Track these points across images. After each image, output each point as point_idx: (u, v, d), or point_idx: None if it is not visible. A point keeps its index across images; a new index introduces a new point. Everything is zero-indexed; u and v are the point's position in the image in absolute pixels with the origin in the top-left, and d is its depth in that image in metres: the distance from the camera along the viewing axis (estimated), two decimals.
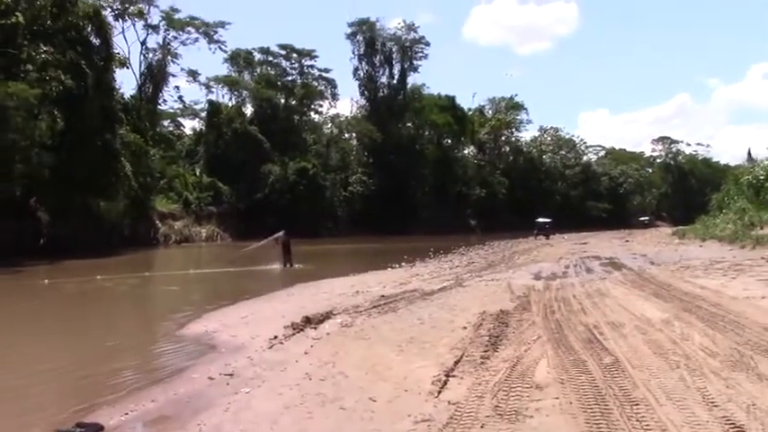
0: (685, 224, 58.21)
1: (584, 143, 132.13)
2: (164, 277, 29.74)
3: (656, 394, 6.60)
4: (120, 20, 65.08)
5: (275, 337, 11.40)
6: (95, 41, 47.59)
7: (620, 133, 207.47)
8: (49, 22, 42.79)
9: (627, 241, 45.16)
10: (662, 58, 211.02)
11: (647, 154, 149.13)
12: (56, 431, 6.95)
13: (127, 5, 65.50)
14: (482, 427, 5.99)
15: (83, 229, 43.33)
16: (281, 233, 31.50)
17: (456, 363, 8.55)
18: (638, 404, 6.30)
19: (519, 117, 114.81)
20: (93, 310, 19.18)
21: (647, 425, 5.71)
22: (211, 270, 32.13)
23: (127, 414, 7.62)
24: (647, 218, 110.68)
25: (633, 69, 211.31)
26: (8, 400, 8.56)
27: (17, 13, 38.61)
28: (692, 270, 19.24)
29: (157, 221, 60.50)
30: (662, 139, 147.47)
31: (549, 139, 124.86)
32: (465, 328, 11.05)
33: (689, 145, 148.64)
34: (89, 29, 46.78)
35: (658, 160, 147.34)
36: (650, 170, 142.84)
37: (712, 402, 6.28)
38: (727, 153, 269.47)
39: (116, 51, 56.02)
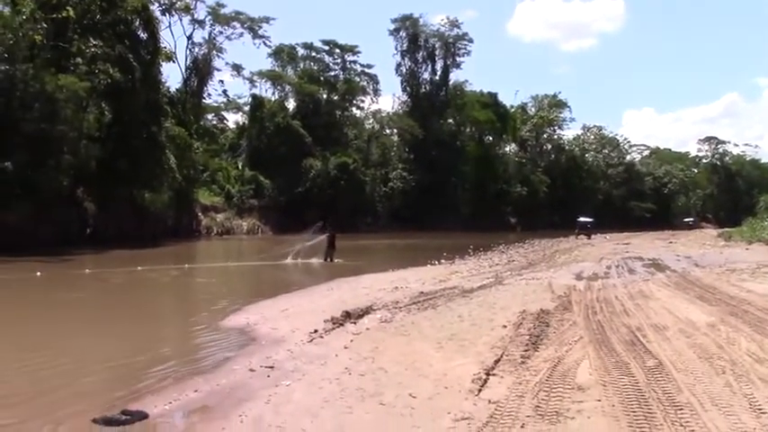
0: (731, 226, 57.22)
1: (628, 142, 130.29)
2: (206, 269, 30.13)
3: (702, 399, 6.50)
4: (167, 14, 65.78)
5: (315, 331, 11.48)
6: (143, 36, 48.27)
7: (665, 133, 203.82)
8: (98, 16, 43.47)
9: (671, 242, 44.48)
10: (710, 56, 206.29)
11: (693, 154, 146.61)
12: (102, 417, 7.10)
13: (174, 0, 66.28)
14: (522, 426, 5.97)
15: (127, 220, 44.13)
16: (319, 223, 31.80)
17: (496, 361, 8.52)
18: (682, 409, 6.22)
19: (562, 115, 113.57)
20: (136, 300, 19.50)
21: (692, 430, 5.64)
22: (252, 263, 32.45)
23: (170, 403, 7.75)
24: (691, 219, 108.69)
25: (680, 67, 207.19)
26: (55, 387, 8.75)
27: (68, 8, 39.33)
28: (738, 273, 18.89)
29: (200, 214, 61.32)
30: (708, 139, 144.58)
31: (592, 137, 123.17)
32: (505, 326, 11.00)
33: (736, 145, 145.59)
34: (137, 23, 47.45)
35: (704, 160, 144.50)
36: (696, 170, 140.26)
37: (759, 409, 6.16)
38: None
39: (163, 45, 56.81)
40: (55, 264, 27.31)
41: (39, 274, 22.88)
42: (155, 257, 32.13)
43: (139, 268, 25.86)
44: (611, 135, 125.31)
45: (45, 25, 37.48)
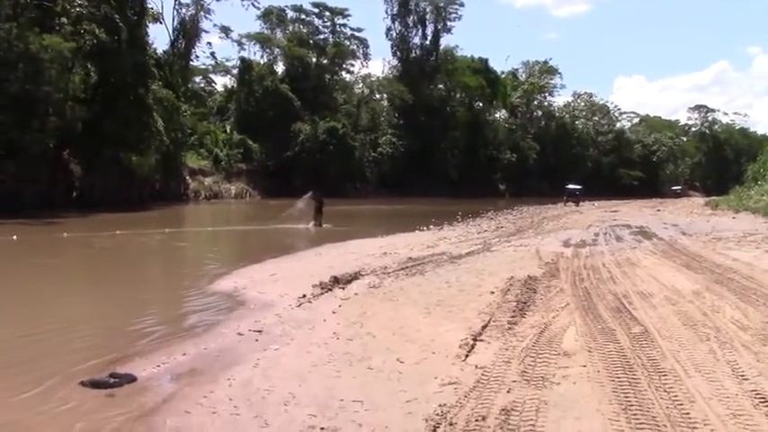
0: (719, 195, 57.41)
1: (618, 109, 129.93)
2: (194, 233, 30.08)
3: (685, 366, 6.57)
4: None
5: (304, 296, 11.51)
6: None
7: (655, 100, 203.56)
8: None
9: (658, 210, 44.65)
10: (702, 24, 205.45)
11: (683, 122, 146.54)
12: (90, 380, 7.12)
13: None
14: (509, 391, 6.01)
15: (114, 183, 43.88)
16: (310, 193, 31.70)
17: (483, 327, 8.58)
18: (666, 375, 6.28)
19: (552, 81, 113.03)
20: (122, 264, 19.46)
21: (675, 395, 5.69)
22: (241, 227, 32.41)
23: (159, 366, 7.78)
24: (679, 187, 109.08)
25: (672, 35, 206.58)
26: (42, 351, 8.75)
27: None
28: (724, 242, 19.02)
29: (188, 177, 60.97)
30: (698, 108, 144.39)
31: (582, 104, 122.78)
32: (492, 292, 11.06)
33: (726, 114, 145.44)
34: None
35: (693, 129, 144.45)
36: (685, 139, 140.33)
37: (742, 376, 6.23)
38: (766, 123, 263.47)
39: (149, 6, 56.07)
40: (39, 227, 27.18)
41: (15, 237, 22.49)
42: (141, 221, 32.00)
43: (118, 232, 25.40)
44: (601, 102, 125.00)
45: None
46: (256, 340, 8.73)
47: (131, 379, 7.23)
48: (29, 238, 23.39)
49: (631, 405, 5.52)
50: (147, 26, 52.61)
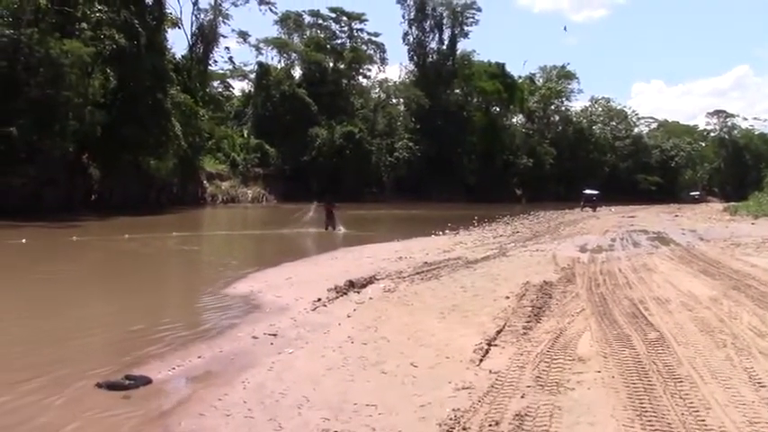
0: (738, 200, 57.06)
1: (636, 114, 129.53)
2: (210, 237, 30.21)
3: (702, 372, 6.51)
4: None
5: (319, 300, 11.52)
6: (148, 1, 48.03)
7: (674, 105, 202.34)
8: None
9: (676, 216, 44.37)
10: (721, 28, 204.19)
11: (701, 127, 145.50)
12: (106, 382, 7.16)
13: None
14: (523, 397, 5.99)
15: (133, 187, 44.26)
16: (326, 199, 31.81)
17: (498, 332, 8.55)
18: (682, 381, 6.23)
19: (570, 86, 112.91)
20: (140, 267, 19.56)
21: (691, 402, 5.65)
22: (257, 231, 32.51)
23: (174, 369, 7.80)
24: (697, 193, 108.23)
25: (691, 40, 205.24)
26: (59, 352, 8.80)
27: None
28: (742, 248, 18.87)
29: (205, 181, 61.39)
30: (717, 113, 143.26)
31: (599, 109, 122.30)
32: (508, 297, 11.02)
33: (745, 119, 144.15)
34: None
35: (712, 134, 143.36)
36: (703, 144, 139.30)
37: (759, 383, 6.17)
38: None
39: (168, 11, 56.55)
40: (56, 229, 27.33)
41: (24, 240, 22.43)
42: (159, 224, 32.17)
43: (127, 236, 25.28)
44: (619, 107, 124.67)
45: None
46: (271, 343, 8.74)
47: (147, 381, 7.26)
48: (39, 242, 23.35)
49: (646, 411, 5.48)
50: (166, 31, 53.14)
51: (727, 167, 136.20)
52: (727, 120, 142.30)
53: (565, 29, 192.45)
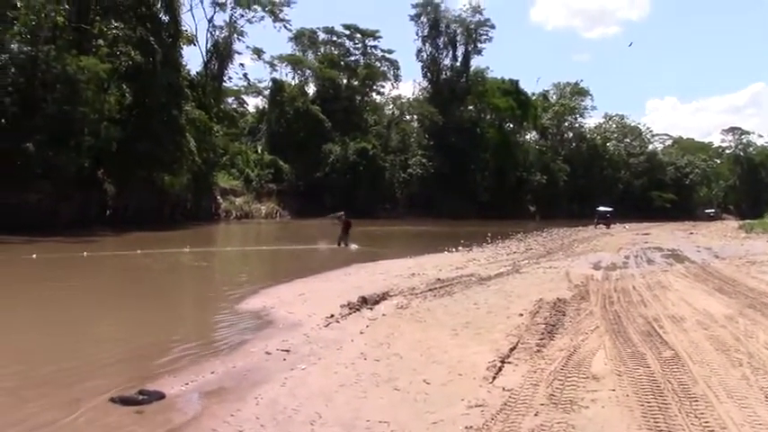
0: (753, 218, 56.61)
1: (651, 131, 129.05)
2: (223, 252, 30.29)
3: (717, 391, 6.46)
4: None
5: (331, 316, 11.53)
6: (164, 18, 48.38)
7: (688, 122, 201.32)
8: None
9: (691, 233, 44.11)
10: (736, 44, 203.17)
11: (716, 144, 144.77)
12: (120, 396, 7.20)
13: None
14: (536, 414, 5.97)
15: (147, 203, 44.49)
16: (341, 213, 31.74)
17: (511, 349, 8.52)
18: (697, 400, 6.19)
19: (583, 103, 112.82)
20: (154, 282, 19.66)
21: (707, 422, 5.61)
22: (269, 247, 32.58)
23: (187, 384, 7.83)
24: (712, 210, 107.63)
25: (705, 56, 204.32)
26: (74, 366, 8.84)
27: None
28: (758, 266, 18.72)
29: (219, 197, 61.65)
30: (732, 130, 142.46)
31: (613, 126, 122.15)
32: (521, 314, 10.98)
33: (761, 136, 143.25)
34: (159, 5, 47.57)
35: (728, 151, 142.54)
36: (718, 161, 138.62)
37: None
38: None
39: (184, 28, 56.88)
40: (74, 244, 27.40)
41: (34, 256, 22.32)
42: (172, 240, 32.24)
43: (139, 251, 25.31)
44: (633, 124, 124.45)
45: (67, 6, 37.69)
46: (284, 359, 8.75)
47: (160, 396, 7.29)
48: (51, 257, 23.28)
49: (661, 431, 5.44)
50: (182, 48, 53.38)
51: (742, 185, 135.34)
52: (743, 137, 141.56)
53: (630, 45, 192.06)
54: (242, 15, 73.44)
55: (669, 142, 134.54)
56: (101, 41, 41.07)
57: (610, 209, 63.71)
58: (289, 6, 77.82)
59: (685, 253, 25.62)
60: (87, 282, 18.69)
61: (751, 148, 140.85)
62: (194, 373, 8.32)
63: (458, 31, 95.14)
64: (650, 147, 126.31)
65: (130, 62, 41.72)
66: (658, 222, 68.91)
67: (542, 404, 6.24)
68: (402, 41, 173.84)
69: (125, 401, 7.09)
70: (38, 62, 35.89)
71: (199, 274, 22.68)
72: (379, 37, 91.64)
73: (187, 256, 25.84)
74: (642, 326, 9.78)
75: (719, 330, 9.38)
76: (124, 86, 42.24)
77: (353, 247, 30.14)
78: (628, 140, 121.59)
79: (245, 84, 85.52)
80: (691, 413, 5.83)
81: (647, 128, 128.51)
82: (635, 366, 7.48)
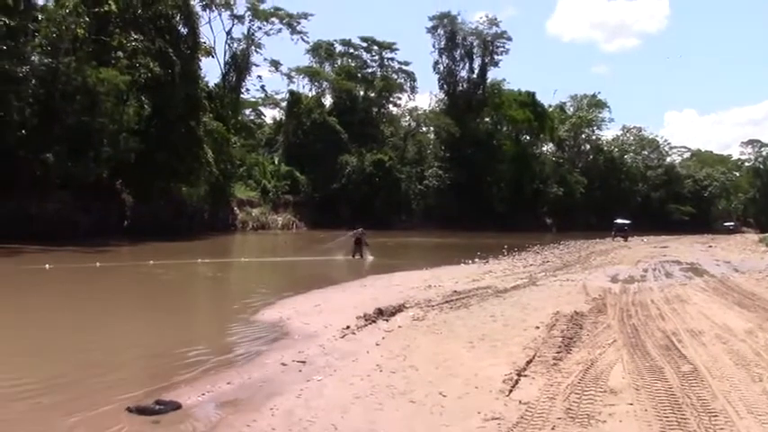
0: None
1: (669, 144, 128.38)
2: (239, 263, 30.38)
3: (737, 406, 6.39)
4: (208, 10, 66.51)
5: (347, 327, 11.52)
6: (183, 30, 48.81)
7: (707, 135, 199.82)
8: (139, 10, 44.13)
9: (710, 247, 43.75)
10: (756, 57, 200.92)
11: (735, 157, 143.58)
12: (136, 406, 7.22)
13: None
14: (553, 428, 5.93)
15: (164, 213, 44.73)
16: (359, 230, 31.71)
17: (528, 362, 8.48)
18: (716, 416, 6.12)
19: (601, 115, 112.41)
20: (171, 293, 19.72)
21: None
22: (285, 258, 32.63)
23: (203, 394, 7.85)
24: (732, 223, 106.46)
25: (725, 68, 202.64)
26: (91, 376, 8.90)
27: (110, 2, 39.88)
28: None
29: (236, 208, 61.89)
30: (751, 142, 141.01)
31: (631, 138, 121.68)
32: (538, 327, 10.94)
33: None
34: (177, 18, 48.03)
35: (747, 164, 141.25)
36: (738, 174, 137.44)
37: None
38: None
39: (202, 40, 57.42)
40: (89, 254, 27.54)
41: (47, 266, 22.21)
42: (188, 251, 32.33)
43: (152, 262, 25.19)
44: (651, 136, 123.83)
45: (87, 19, 38.06)
46: (300, 371, 8.75)
47: (176, 406, 7.31)
48: (64, 267, 23.33)
49: None
50: (200, 60, 53.80)
51: (762, 197, 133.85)
52: (762, 149, 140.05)
53: (672, 57, 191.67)
54: (260, 28, 74.21)
55: (687, 155, 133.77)
56: (120, 53, 41.44)
57: (627, 221, 63.32)
58: (306, 19, 78.54)
59: (704, 266, 25.42)
60: (102, 292, 18.80)
61: None
62: (210, 383, 8.34)
63: (474, 44, 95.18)
64: (668, 159, 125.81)
65: (149, 74, 42.08)
66: (676, 235, 68.46)
67: (559, 418, 6.20)
68: (418, 53, 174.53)
69: (141, 411, 7.12)
70: (58, 74, 36.30)
71: (215, 284, 22.77)
72: (396, 49, 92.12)
73: (204, 267, 25.93)
74: (660, 339, 9.71)
75: (739, 344, 9.29)
76: (143, 98, 42.58)
77: (369, 258, 30.15)
78: (645, 153, 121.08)
79: (263, 95, 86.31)
80: (710, 429, 5.77)
81: (666, 140, 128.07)
82: (653, 380, 7.42)
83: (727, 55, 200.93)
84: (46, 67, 36.43)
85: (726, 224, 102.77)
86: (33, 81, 35.77)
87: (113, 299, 17.73)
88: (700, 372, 7.73)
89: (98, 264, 24.09)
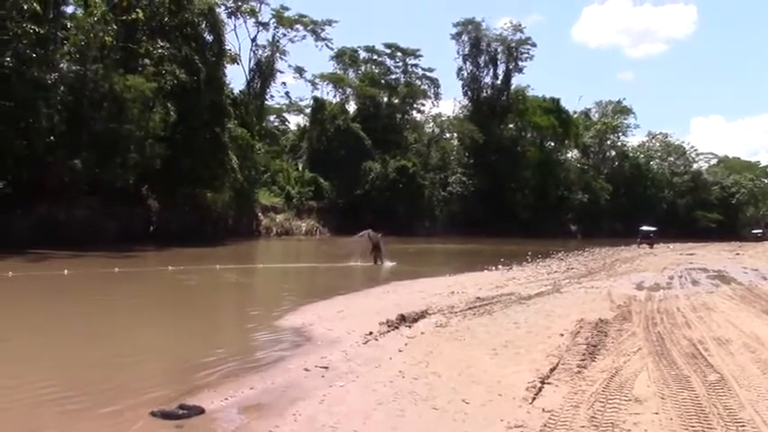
0: None
1: (695, 150, 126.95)
2: (263, 269, 30.51)
3: (765, 417, 6.29)
4: (233, 17, 67.29)
5: (370, 333, 11.51)
6: (209, 38, 49.35)
7: (734, 141, 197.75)
8: (166, 18, 44.64)
9: (737, 254, 43.20)
10: None
11: (764, 163, 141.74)
12: (160, 411, 7.27)
13: (240, 3, 67.59)
14: None
15: (189, 219, 45.10)
16: (369, 231, 31.71)
17: (551, 370, 8.41)
18: (744, 426, 6.03)
19: (626, 121, 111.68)
20: (194, 298, 19.82)
21: None
22: (308, 264, 32.71)
23: (226, 399, 7.88)
24: (760, 230, 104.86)
25: (751, 74, 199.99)
26: (114, 381, 8.96)
27: (137, 10, 40.43)
28: None
29: (260, 214, 62.26)
30: None
31: (657, 144, 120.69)
32: (562, 335, 10.86)
33: None
34: (203, 26, 48.61)
35: None
36: (766, 180, 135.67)
37: None
38: None
39: (228, 48, 57.96)
40: (113, 260, 27.81)
41: (66, 272, 22.33)
42: (212, 257, 32.53)
43: (170, 268, 25.26)
44: (677, 143, 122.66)
45: (115, 27, 38.59)
46: (322, 376, 8.76)
47: (200, 411, 7.35)
48: (83, 272, 23.29)
49: None
50: (225, 67, 54.39)
51: None
52: None
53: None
54: (284, 35, 74.93)
55: (714, 161, 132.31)
56: (147, 61, 41.95)
57: (653, 228, 62.74)
58: (330, 26, 79.17)
59: (731, 274, 25.11)
60: (126, 297, 18.94)
61: None
62: (233, 388, 8.37)
63: (499, 50, 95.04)
64: (695, 166, 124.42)
65: (175, 81, 42.52)
66: (703, 242, 67.69)
67: (583, 426, 6.15)
68: (442, 59, 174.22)
69: (165, 416, 7.16)
70: (86, 81, 36.87)
71: (239, 290, 22.86)
72: (420, 55, 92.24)
73: (227, 273, 26.06)
74: (686, 348, 9.59)
75: (767, 354, 9.15)
76: (169, 105, 43.03)
77: (388, 264, 30.12)
78: (672, 159, 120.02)
79: (287, 102, 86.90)
80: None
81: (692, 147, 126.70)
82: (679, 389, 7.33)
83: (754, 60, 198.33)
84: (74, 74, 37.01)
85: (754, 231, 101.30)
86: (62, 88, 36.29)
87: (137, 304, 17.88)
88: (727, 381, 7.62)
89: (117, 269, 24.32)
